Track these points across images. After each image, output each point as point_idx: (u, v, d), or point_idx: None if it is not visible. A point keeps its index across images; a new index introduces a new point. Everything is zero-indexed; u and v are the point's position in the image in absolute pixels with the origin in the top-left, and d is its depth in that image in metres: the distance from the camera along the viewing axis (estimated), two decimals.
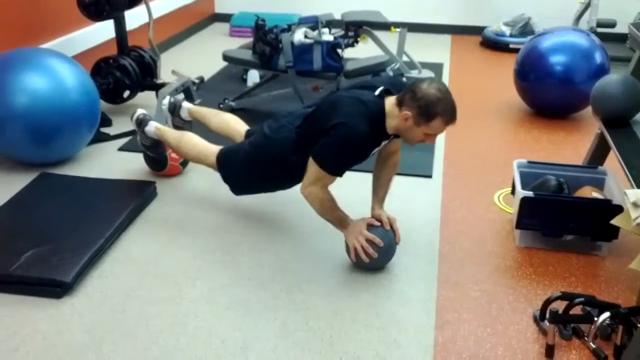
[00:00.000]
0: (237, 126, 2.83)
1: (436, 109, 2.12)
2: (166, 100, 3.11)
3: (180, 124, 3.06)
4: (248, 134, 2.74)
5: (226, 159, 2.62)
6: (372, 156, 2.36)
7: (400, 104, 2.19)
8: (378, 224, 2.34)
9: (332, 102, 2.30)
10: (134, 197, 2.75)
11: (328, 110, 2.28)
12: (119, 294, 2.21)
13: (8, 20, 3.43)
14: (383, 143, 2.34)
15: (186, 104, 3.07)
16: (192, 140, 2.76)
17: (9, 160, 3.14)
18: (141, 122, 2.92)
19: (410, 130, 2.20)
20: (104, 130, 3.58)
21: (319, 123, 2.29)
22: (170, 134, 2.85)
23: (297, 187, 2.56)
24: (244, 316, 2.11)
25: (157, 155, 3.00)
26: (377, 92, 2.25)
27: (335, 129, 2.18)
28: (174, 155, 3.00)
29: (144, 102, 3.97)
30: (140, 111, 2.98)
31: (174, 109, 3.08)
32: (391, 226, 2.37)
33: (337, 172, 2.28)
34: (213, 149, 2.68)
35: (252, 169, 2.53)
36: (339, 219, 2.36)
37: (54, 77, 3.00)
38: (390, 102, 2.23)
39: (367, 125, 2.17)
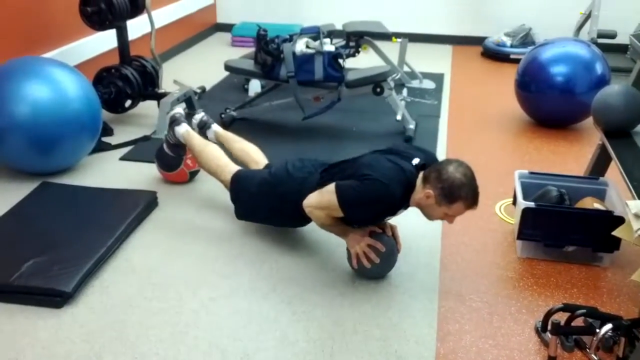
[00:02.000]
0: (257, 157, 2.82)
1: (459, 193, 2.12)
2: (199, 116, 3.11)
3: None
4: (267, 167, 2.73)
5: (241, 181, 2.63)
6: None
7: (425, 180, 2.19)
8: (380, 230, 2.34)
9: (375, 160, 2.29)
10: (135, 207, 2.75)
11: (368, 165, 2.26)
12: (120, 303, 2.21)
13: (10, 30, 3.44)
14: (400, 212, 2.35)
15: (216, 127, 3.06)
16: (215, 152, 2.78)
17: (11, 169, 3.14)
18: (175, 120, 2.95)
19: (431, 208, 2.20)
20: (106, 139, 3.58)
21: (356, 170, 2.26)
22: (196, 140, 2.88)
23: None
24: (245, 326, 2.10)
25: (174, 156, 3.00)
26: (414, 163, 2.25)
27: (371, 180, 2.17)
28: (189, 162, 3.01)
29: (146, 111, 3.98)
30: (178, 109, 3.04)
31: (203, 127, 3.08)
32: (392, 234, 2.37)
33: (350, 214, 2.26)
34: (231, 167, 2.70)
35: (264, 198, 2.53)
36: (339, 230, 2.36)
37: (56, 86, 3.01)
38: (419, 176, 2.23)
39: (400, 192, 2.18)
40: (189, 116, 3.13)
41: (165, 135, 3.02)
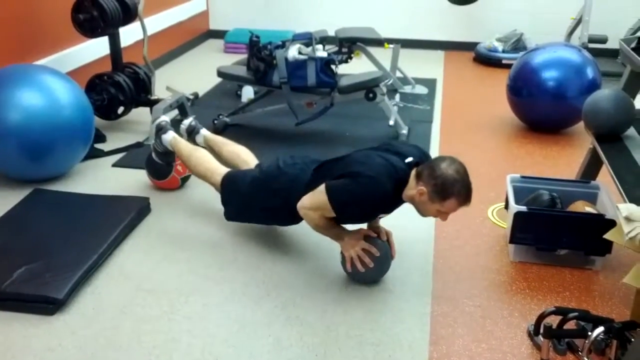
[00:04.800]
0: (247, 158, 2.82)
1: (452, 190, 2.12)
2: (187, 122, 3.11)
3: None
4: (257, 166, 2.72)
5: (232, 181, 2.63)
6: None
7: (418, 177, 2.19)
8: (375, 235, 2.35)
9: (366, 156, 2.29)
10: (127, 213, 2.75)
11: (359, 161, 2.27)
12: (112, 310, 2.20)
13: (2, 37, 3.44)
14: (390, 212, 2.35)
15: (204, 132, 3.06)
16: (203, 157, 2.78)
17: (3, 176, 3.13)
18: (161, 129, 2.95)
19: (424, 205, 2.20)
20: (98, 146, 3.58)
21: (346, 167, 2.27)
22: (183, 145, 2.87)
23: None
24: (238, 332, 2.10)
25: (164, 164, 3.00)
26: (407, 161, 2.26)
27: (362, 177, 2.18)
28: (179, 168, 3.01)
29: (139, 118, 3.98)
30: (163, 118, 3.03)
31: (192, 132, 3.08)
32: (387, 240, 2.38)
33: (342, 214, 2.27)
34: (221, 169, 2.69)
35: (256, 196, 2.53)
36: (334, 234, 2.36)
37: (48, 93, 3.01)
38: (412, 173, 2.24)
39: (391, 188, 2.18)
40: (179, 123, 3.13)
41: (152, 144, 3.01)
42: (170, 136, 2.92)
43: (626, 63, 2.99)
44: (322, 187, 2.24)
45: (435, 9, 5.97)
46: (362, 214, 2.30)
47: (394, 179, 2.19)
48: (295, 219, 2.44)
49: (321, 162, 2.46)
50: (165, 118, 3.04)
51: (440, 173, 2.13)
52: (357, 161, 2.28)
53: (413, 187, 2.20)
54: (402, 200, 2.28)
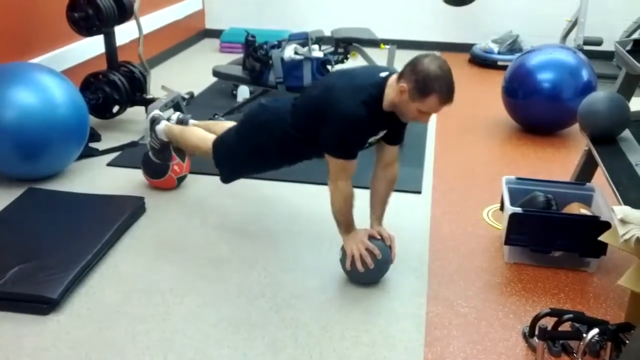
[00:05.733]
0: None
1: (433, 86, 2.08)
2: (175, 117, 3.11)
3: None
4: None
5: (220, 140, 2.68)
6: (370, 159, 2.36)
7: (400, 76, 2.17)
8: (379, 237, 2.35)
9: (328, 88, 2.29)
10: (122, 213, 2.74)
11: (323, 97, 2.28)
12: (106, 310, 2.19)
13: None
14: (380, 133, 2.33)
15: (193, 122, 3.07)
16: (195, 129, 2.88)
17: None
18: (155, 120, 2.98)
19: (405, 105, 2.16)
20: (93, 145, 3.56)
21: (316, 108, 2.30)
22: (176, 127, 2.94)
23: (288, 204, 2.56)
24: (232, 333, 2.09)
25: (161, 162, 3.00)
26: (382, 75, 2.24)
27: (332, 119, 2.22)
28: (176, 167, 3.01)
29: (134, 117, 3.97)
30: (157, 111, 3.06)
31: (181, 124, 3.07)
32: (390, 244, 2.38)
33: (348, 155, 2.28)
34: (212, 136, 2.74)
35: (243, 138, 2.56)
36: (348, 222, 2.35)
37: (42, 92, 2.99)
38: (393, 78, 2.21)
39: (362, 108, 2.17)
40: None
41: (149, 142, 3.01)
42: (162, 125, 2.95)
43: (621, 65, 3.00)
44: (327, 156, 2.28)
45: (431, 10, 5.97)
46: (356, 139, 2.28)
47: (363, 100, 2.17)
48: (285, 154, 2.49)
49: (297, 96, 2.51)
50: (159, 112, 3.07)
51: (421, 68, 2.10)
52: (324, 100, 2.27)
53: (394, 89, 2.18)
54: (385, 113, 2.24)
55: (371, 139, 2.33)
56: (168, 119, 3.09)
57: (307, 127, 2.36)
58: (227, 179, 2.70)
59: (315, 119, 2.30)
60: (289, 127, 2.42)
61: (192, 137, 2.82)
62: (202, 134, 2.80)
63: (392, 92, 2.19)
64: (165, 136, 2.94)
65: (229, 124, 2.90)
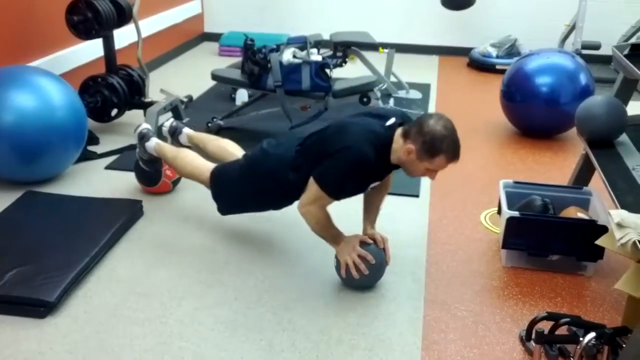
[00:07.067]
0: (234, 151, 2.81)
1: (441, 146, 2.13)
2: (168, 123, 3.11)
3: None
4: (244, 156, 2.72)
5: (220, 174, 2.62)
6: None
7: (405, 136, 2.19)
8: (371, 241, 2.35)
9: (341, 127, 2.29)
10: (120, 216, 2.74)
11: (335, 133, 2.27)
12: (104, 313, 2.19)
13: None
14: (386, 175, 2.36)
15: (187, 130, 3.06)
16: (188, 156, 2.76)
17: None
18: (143, 137, 2.93)
19: (413, 164, 2.20)
20: (91, 148, 3.57)
21: (324, 144, 2.28)
22: (168, 148, 2.87)
23: (285, 208, 2.56)
24: (230, 337, 2.09)
25: (152, 171, 2.99)
26: (388, 123, 2.25)
27: (340, 152, 2.18)
28: (168, 172, 3.00)
29: (132, 120, 3.96)
30: (144, 125, 3.01)
31: (174, 132, 3.08)
32: (383, 246, 2.38)
33: (337, 194, 2.27)
34: (208, 165, 2.68)
35: (245, 182, 2.52)
36: (332, 236, 2.36)
37: (41, 95, 3.00)
38: (397, 133, 2.23)
39: (373, 152, 2.17)
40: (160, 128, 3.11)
41: (137, 152, 3.00)
42: (153, 143, 2.90)
43: (619, 70, 3.00)
44: (311, 179, 2.25)
45: (429, 14, 5.98)
46: (354, 185, 2.29)
47: (375, 145, 2.18)
48: (286, 198, 2.45)
49: (303, 139, 2.45)
50: (147, 125, 3.01)
51: (427, 130, 2.12)
52: (333, 135, 2.27)
53: (400, 147, 2.19)
54: (391, 165, 2.26)
55: (374, 184, 2.35)
56: (161, 125, 3.08)
57: (311, 163, 2.29)
58: (225, 212, 2.66)
59: (323, 155, 2.25)
60: (291, 170, 2.37)
61: (187, 165, 2.73)
62: (197, 162, 2.71)
63: (399, 148, 2.20)
64: (155, 153, 2.90)
65: (225, 142, 2.88)
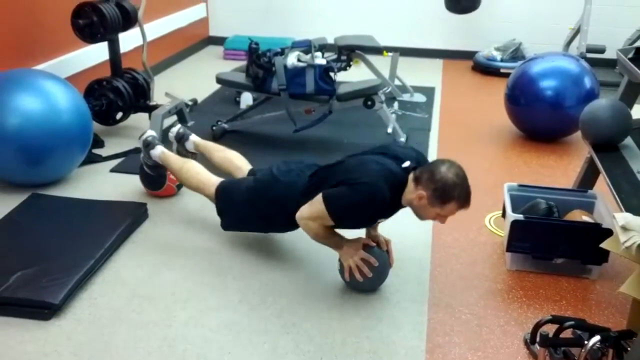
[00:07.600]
0: (240, 163, 2.81)
1: (452, 194, 2.13)
2: (175, 129, 3.11)
3: (184, 153, 3.04)
4: (251, 172, 2.72)
5: (226, 191, 2.61)
6: None
7: (417, 181, 2.19)
8: (374, 244, 2.35)
9: (362, 162, 2.29)
10: (124, 219, 2.75)
11: (357, 166, 2.27)
12: (108, 316, 2.20)
13: (1, 41, 3.44)
14: (393, 214, 2.35)
15: (194, 137, 3.06)
16: (194, 168, 2.76)
17: (0, 180, 3.13)
18: (149, 144, 2.93)
19: (424, 209, 2.20)
20: (96, 151, 3.58)
21: (344, 174, 2.27)
22: (173, 159, 2.86)
23: None
24: (234, 339, 2.09)
25: (156, 175, 3.00)
26: (404, 165, 2.25)
27: (359, 184, 2.17)
28: (172, 176, 3.01)
29: (137, 124, 3.98)
30: (149, 132, 3.00)
31: (181, 139, 3.08)
32: (387, 248, 2.38)
33: (340, 222, 2.27)
34: (214, 180, 2.68)
35: (252, 206, 2.52)
36: (333, 242, 2.36)
37: (46, 98, 3.01)
38: (411, 178, 2.23)
39: (389, 192, 2.17)
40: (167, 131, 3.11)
41: (141, 157, 3.00)
42: (158, 151, 2.91)
43: (624, 73, 3.00)
44: (319, 196, 2.24)
45: (434, 17, 5.98)
46: (360, 220, 2.30)
47: (391, 184, 2.19)
48: (293, 225, 2.43)
49: (315, 169, 2.46)
50: (152, 133, 3.01)
51: (439, 177, 2.13)
52: (352, 168, 2.28)
53: (412, 191, 2.20)
54: (400, 204, 2.27)
55: (380, 220, 2.36)
56: (168, 132, 3.09)
57: (323, 187, 2.28)
58: (228, 228, 2.66)
59: (340, 182, 2.24)
60: (302, 197, 2.35)
61: (192, 178, 2.73)
62: (203, 176, 2.72)
63: (410, 193, 2.21)
64: (160, 161, 2.90)
65: (232, 154, 2.87)
